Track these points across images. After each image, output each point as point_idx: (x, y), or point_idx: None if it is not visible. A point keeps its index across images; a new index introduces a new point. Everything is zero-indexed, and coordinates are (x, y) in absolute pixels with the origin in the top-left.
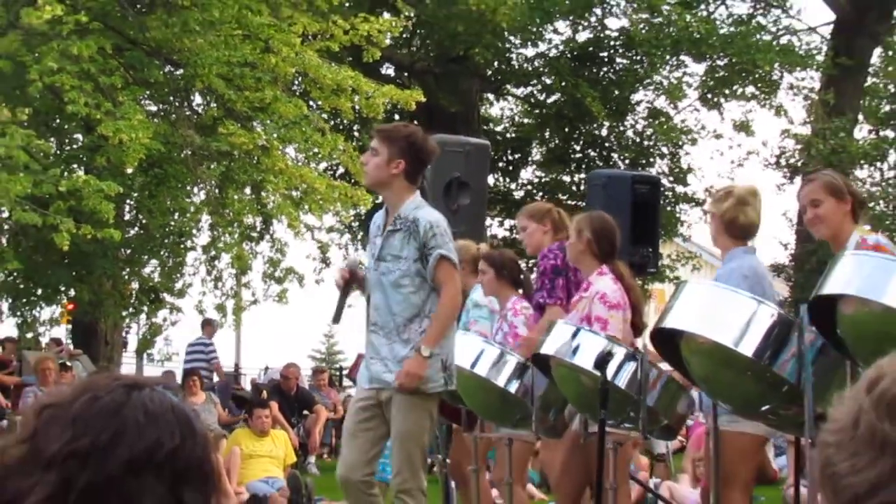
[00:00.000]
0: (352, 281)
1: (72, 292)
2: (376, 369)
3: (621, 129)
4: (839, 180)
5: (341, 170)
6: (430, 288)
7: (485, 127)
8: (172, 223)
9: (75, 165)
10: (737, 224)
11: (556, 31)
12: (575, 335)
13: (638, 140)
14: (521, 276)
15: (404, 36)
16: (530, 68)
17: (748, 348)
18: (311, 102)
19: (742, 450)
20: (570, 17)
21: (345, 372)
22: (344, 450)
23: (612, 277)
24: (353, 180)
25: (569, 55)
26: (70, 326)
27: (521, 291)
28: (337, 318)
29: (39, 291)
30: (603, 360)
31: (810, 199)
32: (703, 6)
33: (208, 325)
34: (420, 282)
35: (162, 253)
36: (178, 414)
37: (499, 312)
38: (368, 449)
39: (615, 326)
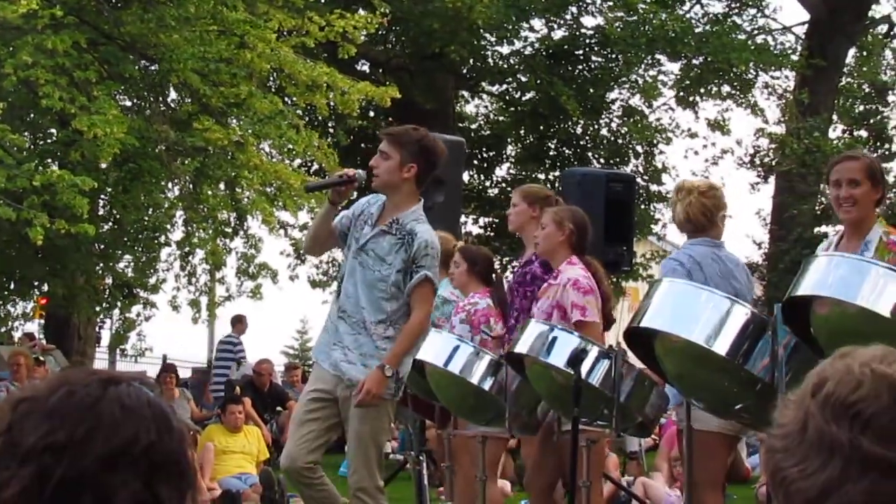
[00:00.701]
0: (346, 184)
1: (45, 287)
2: (337, 356)
3: (596, 127)
4: (879, 166)
5: (316, 166)
6: (404, 300)
7: (460, 124)
8: (147, 218)
9: (49, 160)
10: (689, 218)
11: (531, 28)
12: (548, 333)
13: (613, 138)
14: (493, 276)
15: (380, 33)
16: (505, 66)
17: (722, 347)
18: (286, 98)
19: (709, 449)
20: (546, 15)
21: None
22: (290, 438)
23: (581, 266)
24: (326, 177)
25: (544, 53)
26: (43, 321)
27: (489, 291)
28: (309, 189)
29: (12, 286)
30: (576, 358)
31: (849, 178)
32: (678, 5)
33: (238, 323)
34: (395, 291)
35: (136, 248)
36: (155, 409)
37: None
38: (314, 438)
39: (592, 311)
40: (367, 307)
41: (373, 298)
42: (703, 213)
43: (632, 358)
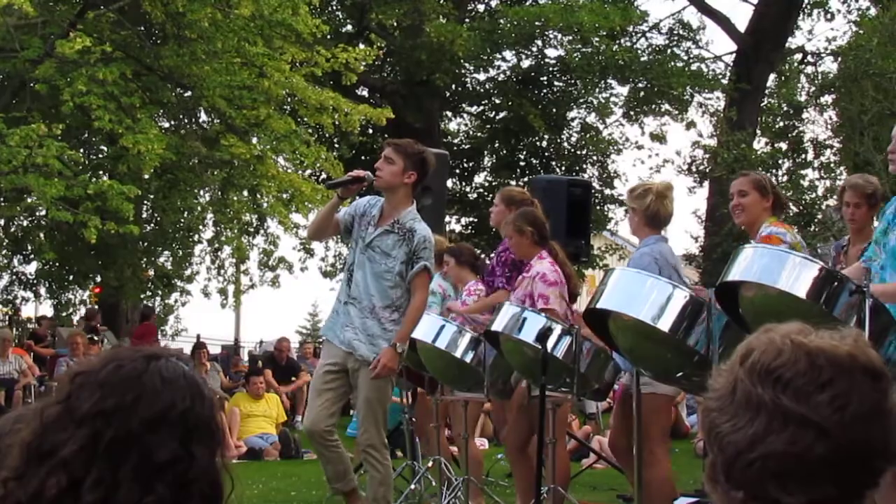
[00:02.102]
0: (356, 182)
1: (98, 278)
2: (349, 335)
3: (559, 141)
4: (766, 180)
5: (324, 175)
6: (406, 287)
7: (444, 139)
8: (182, 220)
9: (101, 172)
10: (659, 216)
11: (503, 59)
12: (520, 314)
13: (572, 150)
14: (477, 261)
15: (376, 63)
16: (482, 90)
17: (665, 324)
18: (298, 119)
19: (656, 408)
20: (516, 47)
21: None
22: (309, 405)
23: (550, 261)
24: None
25: (514, 79)
26: (97, 306)
27: (478, 276)
28: (329, 186)
29: (71, 277)
30: (543, 335)
31: (738, 190)
32: (627, 38)
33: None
34: (399, 280)
35: (174, 245)
36: (189, 380)
37: (454, 296)
38: (330, 405)
39: (554, 300)
40: (375, 295)
41: (381, 287)
42: (670, 213)
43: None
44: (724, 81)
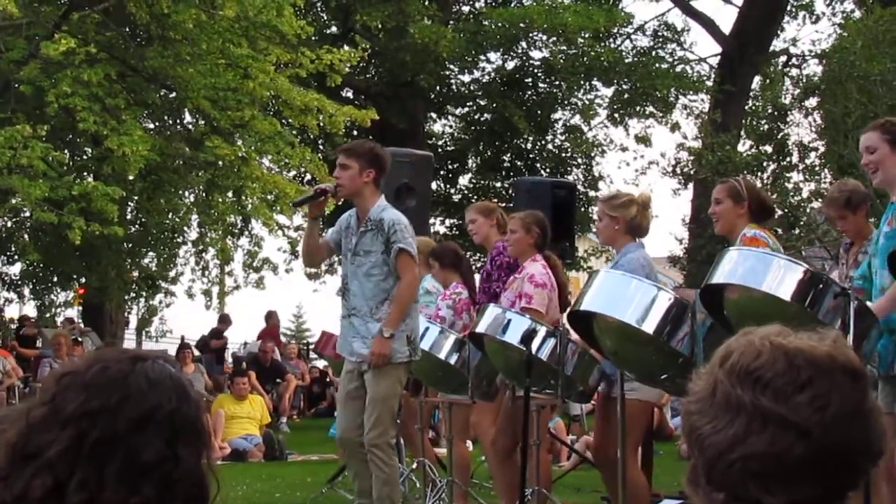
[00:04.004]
0: (319, 196)
1: (82, 279)
2: (357, 346)
3: (543, 142)
4: (740, 186)
5: (308, 177)
6: (396, 275)
7: (429, 141)
8: (167, 221)
9: (85, 173)
10: (641, 227)
11: (488, 60)
12: (504, 316)
13: (557, 152)
14: (461, 261)
15: (361, 65)
16: (467, 92)
17: (650, 326)
18: (283, 120)
19: (633, 414)
20: (500, 49)
21: (311, 346)
22: (339, 415)
23: (542, 263)
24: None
25: (499, 81)
26: (81, 308)
27: (462, 276)
28: (295, 205)
29: (55, 278)
30: (528, 337)
31: (714, 198)
32: (611, 40)
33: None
34: (387, 270)
35: (158, 246)
36: (175, 381)
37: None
38: (358, 415)
39: (538, 301)
40: (370, 295)
41: (373, 284)
42: (649, 224)
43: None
44: (709, 83)
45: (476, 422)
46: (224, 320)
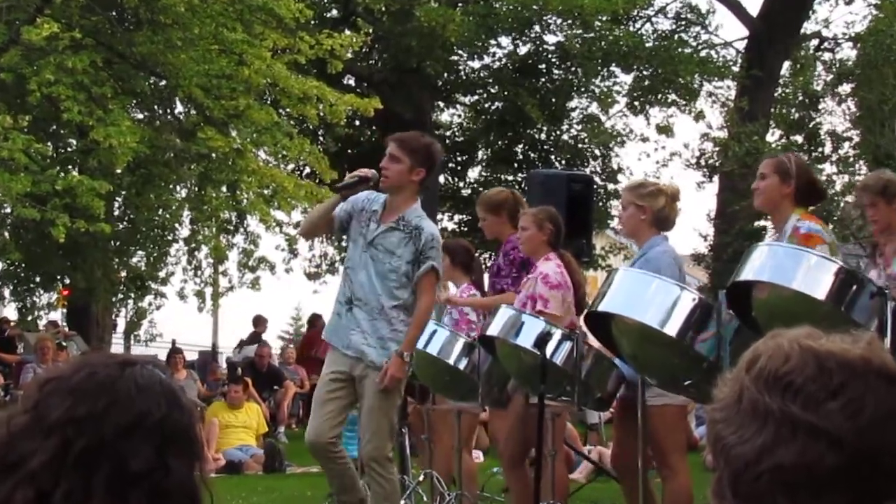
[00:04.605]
0: (361, 183)
1: (67, 280)
2: (356, 339)
3: (558, 133)
4: (790, 163)
5: (308, 170)
6: (412, 288)
7: (436, 132)
8: (157, 218)
9: (70, 166)
10: (668, 219)
11: (499, 45)
12: (517, 318)
13: (573, 143)
14: (472, 262)
15: (363, 50)
16: (476, 79)
17: (672, 329)
18: (280, 110)
19: (669, 419)
20: (512, 33)
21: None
22: (313, 416)
23: (556, 262)
24: (318, 179)
25: (511, 67)
26: (65, 310)
27: (472, 278)
28: (339, 189)
29: (38, 279)
30: (542, 340)
31: (760, 172)
32: (631, 23)
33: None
34: (405, 281)
35: (147, 244)
36: (166, 387)
37: (455, 292)
38: (335, 416)
39: (555, 304)
40: (382, 294)
41: (386, 287)
42: (676, 217)
43: (591, 339)
44: (735, 69)
45: (496, 429)
46: (259, 322)
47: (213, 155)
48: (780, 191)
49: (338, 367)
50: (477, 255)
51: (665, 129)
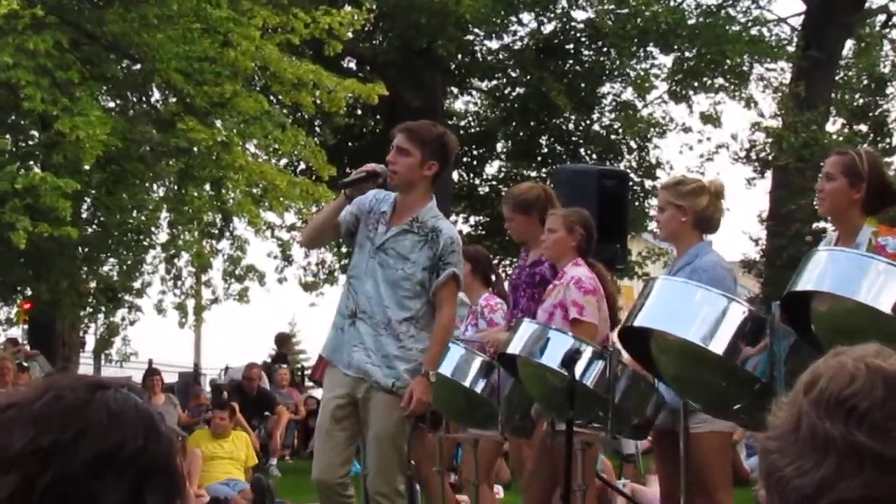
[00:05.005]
0: (368, 179)
1: (28, 292)
2: (359, 357)
3: (588, 122)
4: (861, 161)
5: (302, 166)
6: (427, 297)
7: (449, 121)
8: (131, 221)
9: (32, 162)
10: (712, 220)
11: (520, 22)
12: (541, 333)
13: (605, 134)
14: (492, 271)
15: (366, 29)
16: (494, 61)
17: (719, 346)
18: (271, 97)
19: (714, 448)
20: (535, 9)
21: (307, 372)
22: (318, 450)
23: (586, 267)
24: (314, 176)
25: (534, 48)
26: (27, 326)
27: (494, 289)
28: (343, 186)
29: None
30: (570, 359)
31: (826, 172)
32: None
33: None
34: (420, 290)
35: (120, 251)
36: (143, 414)
37: (468, 303)
38: (343, 449)
39: (591, 312)
40: (391, 306)
41: (397, 297)
42: (720, 218)
43: (626, 358)
44: (791, 49)
45: (520, 460)
46: (284, 342)
47: (195, 149)
48: (849, 196)
49: (339, 391)
50: (496, 260)
51: (710, 119)
